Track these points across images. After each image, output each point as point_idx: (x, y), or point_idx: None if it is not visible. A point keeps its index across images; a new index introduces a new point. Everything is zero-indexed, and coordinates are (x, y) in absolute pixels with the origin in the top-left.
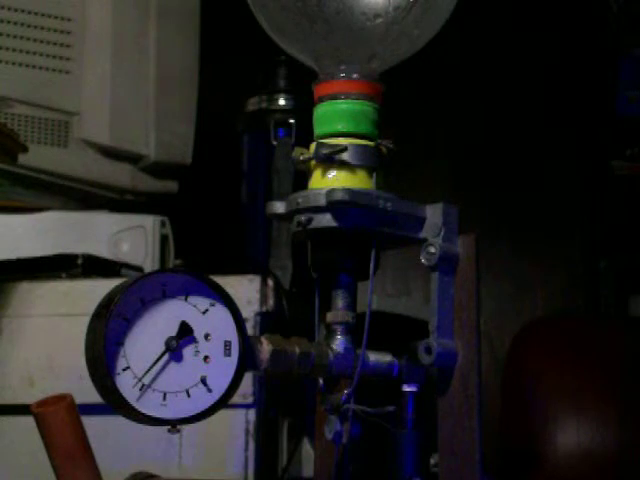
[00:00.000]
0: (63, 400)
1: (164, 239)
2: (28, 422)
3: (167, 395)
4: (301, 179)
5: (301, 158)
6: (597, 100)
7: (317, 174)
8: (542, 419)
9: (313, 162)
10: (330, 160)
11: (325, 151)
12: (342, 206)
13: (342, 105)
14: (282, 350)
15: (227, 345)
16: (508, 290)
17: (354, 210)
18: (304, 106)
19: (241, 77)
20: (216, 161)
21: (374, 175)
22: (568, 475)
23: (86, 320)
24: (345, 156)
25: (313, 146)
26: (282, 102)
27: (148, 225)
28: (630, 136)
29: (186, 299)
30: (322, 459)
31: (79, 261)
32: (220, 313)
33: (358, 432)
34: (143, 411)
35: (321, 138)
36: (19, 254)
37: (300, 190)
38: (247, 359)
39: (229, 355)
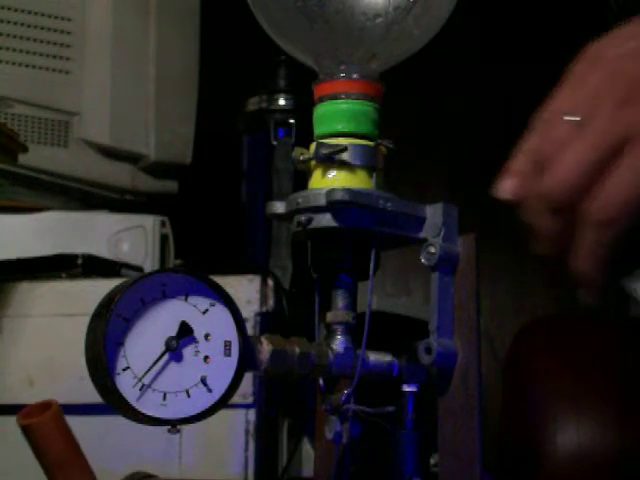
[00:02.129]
0: (48, 408)
1: (164, 239)
2: None
3: (167, 395)
4: (301, 179)
5: (301, 158)
6: None
7: (317, 174)
8: (542, 419)
9: (313, 162)
10: (330, 160)
11: (325, 151)
12: (342, 206)
13: (342, 105)
14: (282, 350)
15: (227, 345)
16: (508, 290)
17: (354, 210)
18: (304, 106)
19: (241, 77)
20: (216, 161)
21: (374, 175)
22: (568, 475)
23: (86, 320)
24: (345, 156)
25: (313, 146)
26: (282, 102)
27: (148, 225)
28: None
29: (186, 299)
30: (322, 459)
31: (79, 261)
32: (220, 313)
33: (358, 432)
34: (143, 411)
35: (321, 138)
36: (19, 254)
37: (300, 190)
38: (247, 359)
39: (229, 355)
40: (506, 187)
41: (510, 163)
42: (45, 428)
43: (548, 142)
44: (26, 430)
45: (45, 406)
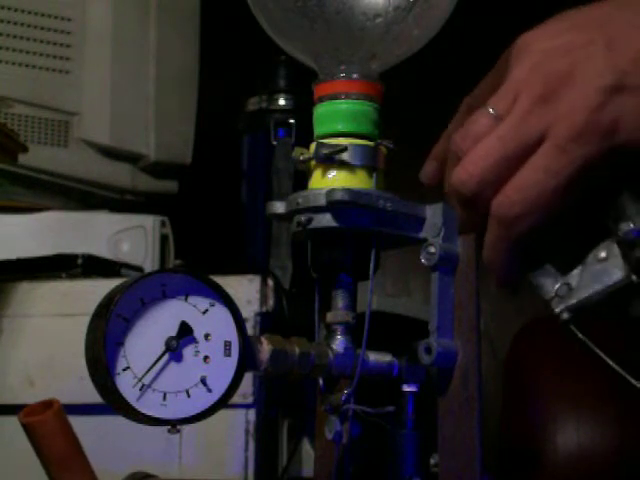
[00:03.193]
0: (50, 407)
1: (164, 239)
2: None
3: (167, 395)
4: (301, 179)
5: (301, 158)
6: None
7: (317, 174)
8: (542, 419)
9: (313, 162)
10: (330, 160)
11: (325, 151)
12: (342, 206)
13: (342, 105)
14: (282, 350)
15: (227, 345)
16: (508, 290)
17: (354, 210)
18: (304, 106)
19: (241, 77)
20: (216, 161)
21: (374, 175)
22: (568, 475)
23: (86, 320)
24: (345, 156)
25: (313, 146)
26: (282, 102)
27: (148, 225)
28: None
29: (186, 299)
30: (322, 459)
31: (79, 261)
32: (220, 313)
33: (358, 432)
34: (143, 411)
35: (321, 138)
36: (19, 254)
37: (300, 190)
38: (247, 359)
39: (229, 355)
40: (424, 171)
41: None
42: (46, 426)
43: (464, 132)
44: (27, 428)
45: (47, 405)
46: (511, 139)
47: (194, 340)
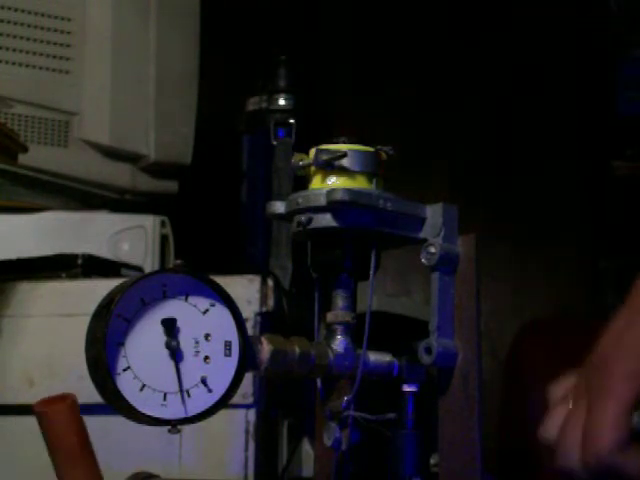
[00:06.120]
0: (65, 400)
1: (164, 239)
2: (28, 422)
3: (167, 395)
4: (301, 179)
5: (300, 164)
6: (597, 100)
7: (317, 180)
8: (542, 419)
9: (313, 168)
10: (330, 166)
11: (324, 157)
12: (342, 206)
13: None
14: (282, 350)
15: (227, 345)
16: (508, 290)
17: (354, 210)
18: (304, 106)
19: (241, 77)
20: (216, 161)
21: (374, 181)
22: (568, 475)
23: (86, 320)
24: (345, 162)
25: (312, 152)
26: (282, 102)
27: (148, 225)
28: (630, 136)
29: (186, 299)
30: (322, 459)
31: (79, 261)
32: (220, 313)
33: (358, 438)
34: (143, 411)
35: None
36: (19, 254)
37: (300, 190)
38: (247, 359)
39: (229, 355)
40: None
41: None
42: (61, 417)
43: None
44: (41, 417)
45: (63, 398)
46: (574, 424)
47: (180, 331)
